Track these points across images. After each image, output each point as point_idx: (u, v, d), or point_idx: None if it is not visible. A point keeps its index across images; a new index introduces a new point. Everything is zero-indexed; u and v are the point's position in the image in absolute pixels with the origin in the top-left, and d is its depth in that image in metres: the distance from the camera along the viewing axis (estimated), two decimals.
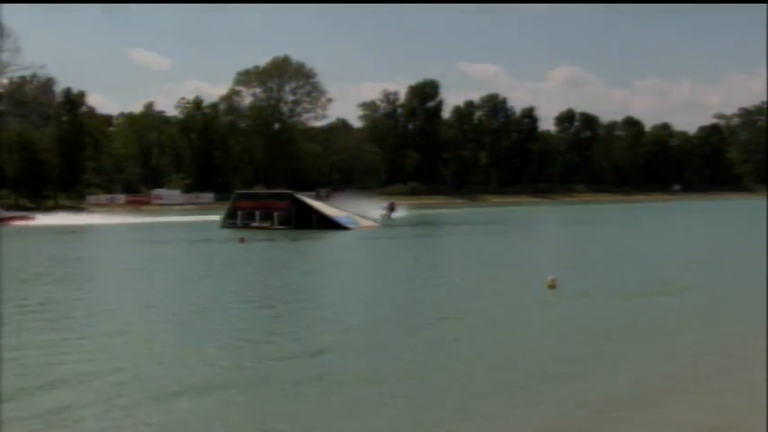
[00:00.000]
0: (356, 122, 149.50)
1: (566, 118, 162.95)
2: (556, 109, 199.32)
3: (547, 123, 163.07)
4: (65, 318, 17.17)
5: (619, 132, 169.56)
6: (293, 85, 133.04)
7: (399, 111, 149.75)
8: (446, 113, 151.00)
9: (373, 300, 19.98)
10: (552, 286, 20.55)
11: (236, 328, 15.84)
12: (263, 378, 11.67)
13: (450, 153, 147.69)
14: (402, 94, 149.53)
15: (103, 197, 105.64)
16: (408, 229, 54.25)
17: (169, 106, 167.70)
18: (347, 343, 14.18)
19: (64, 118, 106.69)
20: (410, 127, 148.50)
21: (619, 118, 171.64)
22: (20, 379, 11.45)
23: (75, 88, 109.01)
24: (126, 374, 11.81)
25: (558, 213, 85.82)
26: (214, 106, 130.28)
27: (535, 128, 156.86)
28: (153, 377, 11.65)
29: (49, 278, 25.16)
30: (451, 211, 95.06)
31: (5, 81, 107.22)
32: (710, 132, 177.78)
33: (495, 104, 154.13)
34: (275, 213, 52.30)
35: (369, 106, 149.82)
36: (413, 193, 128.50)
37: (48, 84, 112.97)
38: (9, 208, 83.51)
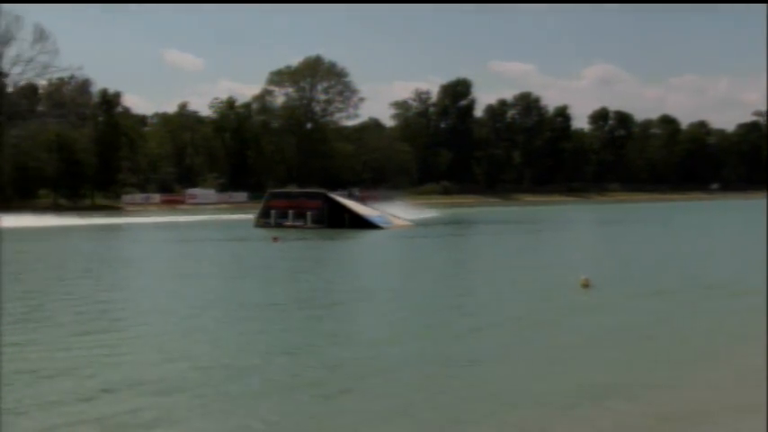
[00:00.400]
0: (388, 122, 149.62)
1: (599, 116, 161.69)
2: (589, 107, 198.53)
3: (580, 122, 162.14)
4: (111, 318, 17.25)
5: (654, 130, 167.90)
6: (325, 84, 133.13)
7: (431, 110, 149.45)
8: (478, 112, 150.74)
9: (411, 302, 19.88)
10: (586, 285, 20.43)
11: (283, 328, 15.82)
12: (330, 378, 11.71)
13: (482, 152, 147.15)
14: (434, 93, 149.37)
15: (139, 196, 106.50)
16: (442, 228, 54.24)
17: (203, 106, 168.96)
18: (393, 347, 14.20)
19: (100, 118, 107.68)
20: (442, 126, 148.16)
21: (654, 116, 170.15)
22: (93, 380, 11.48)
23: (112, 89, 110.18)
24: (176, 378, 11.89)
25: (592, 212, 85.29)
26: (247, 106, 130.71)
27: (568, 126, 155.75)
28: (215, 381, 11.67)
29: (89, 278, 25.44)
30: (485, 210, 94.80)
31: (44, 82, 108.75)
32: (749, 130, 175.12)
33: (527, 103, 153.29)
34: (308, 212, 52.46)
35: (401, 105, 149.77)
36: (445, 192, 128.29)
37: (85, 85, 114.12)
38: (48, 208, 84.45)
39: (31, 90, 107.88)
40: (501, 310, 17.64)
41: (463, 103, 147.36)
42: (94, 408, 10.09)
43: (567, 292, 20.12)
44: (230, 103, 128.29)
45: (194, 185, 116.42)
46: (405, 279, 25.30)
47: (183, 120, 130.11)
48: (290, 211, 53.37)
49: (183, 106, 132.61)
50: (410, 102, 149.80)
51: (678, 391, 10.78)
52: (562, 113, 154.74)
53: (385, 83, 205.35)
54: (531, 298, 19.62)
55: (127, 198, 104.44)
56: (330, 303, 19.30)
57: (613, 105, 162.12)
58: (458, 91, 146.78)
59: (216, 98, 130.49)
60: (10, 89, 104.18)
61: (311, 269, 28.24)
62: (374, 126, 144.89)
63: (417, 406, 10.15)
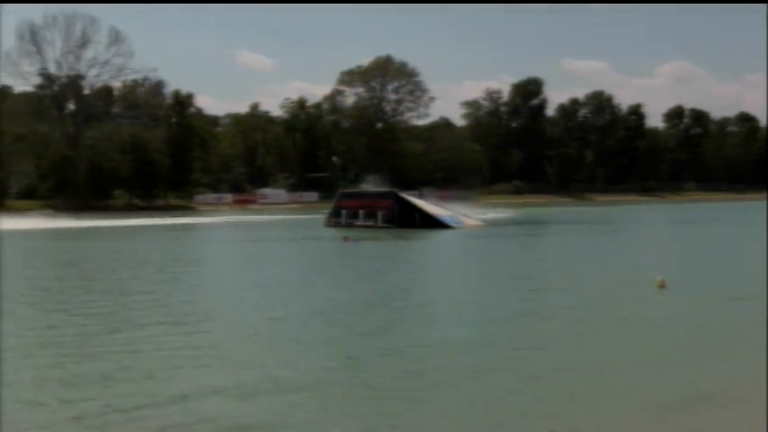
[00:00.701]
0: (459, 121, 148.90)
1: (674, 114, 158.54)
2: (664, 105, 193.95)
3: (655, 120, 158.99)
4: (190, 319, 16.89)
5: (731, 128, 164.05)
6: (396, 84, 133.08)
7: (503, 109, 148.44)
8: (550, 111, 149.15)
9: (485, 301, 19.48)
10: (662, 286, 19.79)
11: (365, 331, 15.37)
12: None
13: (554, 151, 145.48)
14: (505, 93, 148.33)
15: (211, 196, 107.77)
16: (514, 228, 53.53)
17: (274, 107, 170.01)
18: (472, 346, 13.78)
19: (173, 119, 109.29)
20: (513, 125, 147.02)
21: (731, 114, 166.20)
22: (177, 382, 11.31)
23: (184, 90, 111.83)
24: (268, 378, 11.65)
25: (667, 212, 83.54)
26: (318, 106, 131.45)
27: (642, 125, 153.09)
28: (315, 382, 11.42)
29: (166, 278, 25.36)
30: (557, 209, 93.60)
31: (119, 84, 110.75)
32: None
33: (600, 101, 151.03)
34: (379, 212, 52.19)
35: (471, 105, 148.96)
36: (517, 191, 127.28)
37: (158, 86, 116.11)
38: (122, 208, 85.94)
39: (106, 92, 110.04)
40: (581, 312, 17.03)
41: (534, 102, 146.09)
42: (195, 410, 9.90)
43: (643, 292, 19.48)
44: (301, 104, 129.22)
45: (265, 185, 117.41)
46: (477, 280, 24.82)
47: (255, 120, 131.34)
48: (361, 211, 53.15)
49: (254, 107, 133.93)
50: (481, 101, 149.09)
51: None
52: (636, 112, 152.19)
53: (455, 82, 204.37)
54: (607, 299, 18.98)
55: (199, 198, 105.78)
56: (405, 305, 18.89)
57: (689, 103, 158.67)
58: (529, 90, 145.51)
59: (287, 98, 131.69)
60: (86, 91, 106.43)
61: (383, 269, 27.88)
62: (444, 126, 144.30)
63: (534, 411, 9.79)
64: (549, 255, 35.62)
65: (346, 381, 11.39)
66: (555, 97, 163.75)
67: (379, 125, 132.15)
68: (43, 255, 36.52)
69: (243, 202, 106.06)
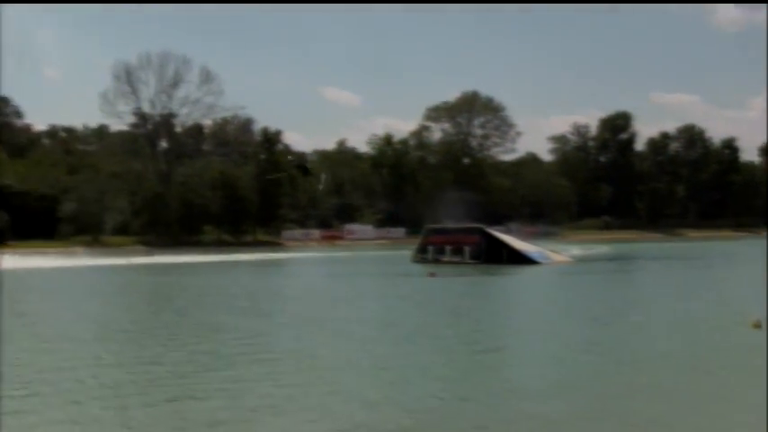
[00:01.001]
0: (546, 156, 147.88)
1: None
2: (759, 138, 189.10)
3: (749, 154, 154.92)
4: (285, 357, 17.03)
5: None
6: (482, 119, 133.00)
7: (590, 143, 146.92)
8: (639, 146, 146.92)
9: (580, 339, 19.02)
10: (758, 326, 19.00)
11: (459, 370, 15.30)
12: None
13: (644, 186, 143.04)
14: (593, 127, 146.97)
15: (299, 232, 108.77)
16: (603, 264, 52.53)
17: (360, 143, 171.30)
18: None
19: (262, 156, 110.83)
20: (602, 160, 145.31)
21: None
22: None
23: (273, 127, 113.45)
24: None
25: (763, 248, 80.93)
26: (404, 142, 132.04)
27: (736, 158, 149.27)
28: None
29: (262, 312, 25.82)
30: (648, 245, 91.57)
31: (210, 122, 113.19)
32: None
33: (691, 135, 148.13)
34: (466, 248, 51.78)
35: (559, 140, 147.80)
36: (606, 227, 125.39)
37: (247, 123, 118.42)
38: (212, 243, 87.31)
39: (197, 130, 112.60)
40: (675, 351, 16.54)
41: (623, 136, 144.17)
42: None
43: (737, 332, 18.77)
44: (388, 140, 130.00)
45: (353, 221, 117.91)
46: (566, 316, 24.33)
47: (342, 156, 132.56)
48: (448, 247, 52.85)
49: (341, 143, 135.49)
50: (568, 135, 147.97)
51: None
52: (729, 145, 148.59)
53: (542, 117, 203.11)
54: (700, 338, 18.37)
55: (287, 234, 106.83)
56: (495, 344, 18.63)
57: None
58: (617, 124, 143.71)
59: (374, 134, 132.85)
60: (178, 129, 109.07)
61: (470, 305, 27.61)
62: (531, 161, 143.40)
63: None
64: (639, 292, 34.77)
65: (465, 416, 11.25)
66: (644, 131, 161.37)
67: (466, 160, 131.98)
68: (137, 289, 37.27)
69: (330, 238, 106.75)
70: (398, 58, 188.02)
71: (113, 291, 36.33)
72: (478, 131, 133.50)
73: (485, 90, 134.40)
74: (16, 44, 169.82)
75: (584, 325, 21.85)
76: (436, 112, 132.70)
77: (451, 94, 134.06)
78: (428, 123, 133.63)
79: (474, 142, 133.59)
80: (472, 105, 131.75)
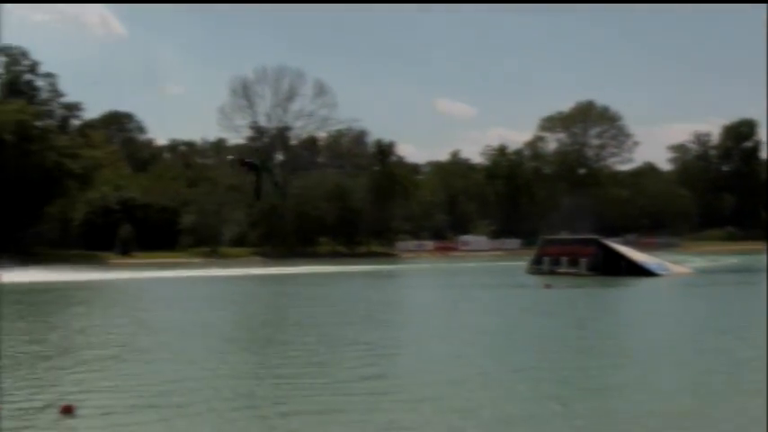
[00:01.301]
0: (664, 165, 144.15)
1: None
2: None
3: None
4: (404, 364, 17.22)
5: None
6: (598, 129, 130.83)
7: (712, 152, 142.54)
8: (765, 153, 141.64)
9: (704, 356, 18.40)
10: None
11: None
12: None
13: None
14: (715, 135, 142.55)
15: (412, 243, 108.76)
16: (726, 276, 50.71)
17: (474, 154, 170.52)
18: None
19: (375, 168, 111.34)
20: (724, 169, 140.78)
21: None
22: None
23: (386, 139, 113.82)
24: None
25: None
26: (518, 153, 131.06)
27: None
28: None
29: (378, 321, 26.25)
30: None
31: (324, 135, 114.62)
32: None
33: None
34: (582, 259, 50.87)
35: (678, 149, 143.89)
36: (729, 238, 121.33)
37: (361, 136, 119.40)
38: (326, 255, 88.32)
39: (311, 142, 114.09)
40: None
41: (747, 144, 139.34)
42: None
43: None
44: (502, 150, 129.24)
45: (466, 232, 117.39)
46: (685, 329, 23.48)
47: (456, 167, 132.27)
48: (564, 258, 52.04)
49: (455, 154, 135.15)
50: (688, 144, 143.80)
51: None
52: None
53: (660, 126, 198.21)
54: None
55: (401, 245, 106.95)
56: (618, 354, 18.14)
57: None
58: (741, 132, 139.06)
59: (487, 145, 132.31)
60: (293, 142, 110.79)
61: (594, 316, 27.04)
62: (650, 170, 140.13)
63: None
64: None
65: None
66: None
67: (582, 171, 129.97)
68: (257, 300, 37.82)
69: (444, 249, 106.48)
70: (512, 69, 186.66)
71: (237, 300, 37.01)
72: (594, 141, 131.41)
73: (600, 99, 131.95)
74: (141, 63, 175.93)
75: (718, 337, 21.02)
76: (551, 123, 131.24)
77: (566, 105, 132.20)
78: (543, 134, 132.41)
79: (590, 152, 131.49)
80: (588, 115, 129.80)
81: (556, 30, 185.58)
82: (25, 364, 17.24)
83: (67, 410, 12.35)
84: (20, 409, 12.62)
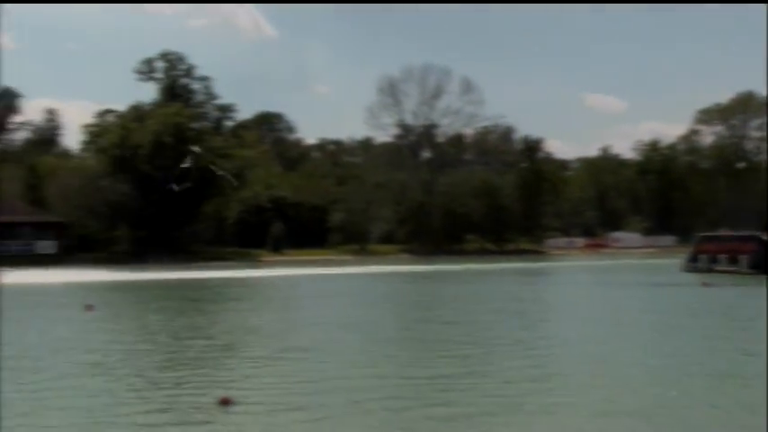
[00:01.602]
0: None
1: None
2: None
3: None
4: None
5: None
6: (759, 121, 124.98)
7: None
8: None
9: None
10: None
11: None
12: None
13: None
14: None
15: (562, 240, 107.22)
16: None
17: (625, 149, 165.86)
18: None
19: (523, 164, 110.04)
20: None
21: None
22: None
23: (534, 135, 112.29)
24: None
25: None
26: (672, 147, 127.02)
27: None
28: None
29: (533, 319, 26.17)
30: None
31: (471, 132, 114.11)
32: None
33: None
34: (742, 257, 48.67)
35: None
36: None
37: (508, 132, 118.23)
38: (474, 252, 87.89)
39: (458, 139, 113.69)
40: None
41: None
42: None
43: None
44: (654, 145, 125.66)
45: (618, 229, 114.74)
46: None
47: (606, 163, 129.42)
48: (722, 256, 49.93)
49: (605, 149, 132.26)
50: None
51: None
52: None
53: None
54: None
55: (550, 242, 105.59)
56: None
57: None
58: None
59: (639, 140, 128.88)
60: (440, 139, 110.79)
61: (756, 316, 25.57)
62: None
63: None
64: None
65: None
66: None
67: (741, 165, 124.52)
68: (409, 297, 37.76)
69: (594, 246, 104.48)
70: (665, 61, 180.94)
71: (389, 297, 37.08)
72: (755, 134, 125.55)
73: (761, 91, 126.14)
74: (290, 63, 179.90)
75: None
76: (707, 115, 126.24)
77: (723, 96, 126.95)
78: (698, 127, 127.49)
79: (750, 145, 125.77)
80: (747, 106, 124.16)
81: (706, 19, 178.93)
82: (191, 356, 18.10)
83: (225, 402, 12.59)
84: (181, 398, 13.24)
